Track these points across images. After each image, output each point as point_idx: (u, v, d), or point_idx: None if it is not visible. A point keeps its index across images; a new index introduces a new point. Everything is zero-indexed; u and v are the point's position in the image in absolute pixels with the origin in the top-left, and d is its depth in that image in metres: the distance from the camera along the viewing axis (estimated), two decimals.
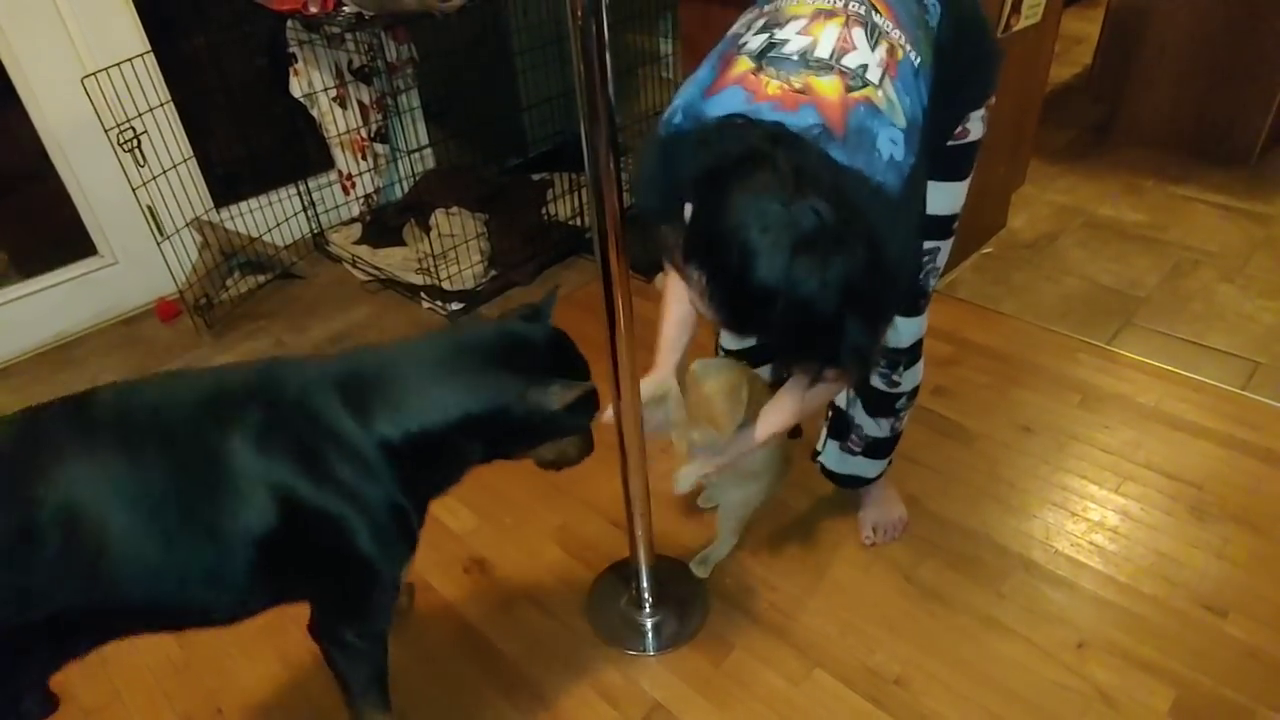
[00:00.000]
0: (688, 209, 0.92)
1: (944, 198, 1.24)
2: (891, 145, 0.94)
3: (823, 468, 1.62)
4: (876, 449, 1.53)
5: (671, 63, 2.85)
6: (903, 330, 1.35)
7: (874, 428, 1.49)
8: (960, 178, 1.26)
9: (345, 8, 2.18)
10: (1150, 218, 2.73)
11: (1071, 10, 4.37)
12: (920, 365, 1.43)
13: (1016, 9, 2.22)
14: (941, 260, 1.32)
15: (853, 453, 1.55)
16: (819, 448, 1.63)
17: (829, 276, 0.84)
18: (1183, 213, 2.74)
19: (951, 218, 1.28)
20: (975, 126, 1.22)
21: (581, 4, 0.90)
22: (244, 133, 2.73)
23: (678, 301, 1.25)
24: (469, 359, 1.04)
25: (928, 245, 1.28)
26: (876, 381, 1.42)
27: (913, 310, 1.34)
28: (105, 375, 2.28)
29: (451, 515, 1.73)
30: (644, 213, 1.06)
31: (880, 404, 1.45)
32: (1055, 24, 2.35)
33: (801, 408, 1.23)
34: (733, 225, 0.85)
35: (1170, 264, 2.47)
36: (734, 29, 1.09)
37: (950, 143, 1.22)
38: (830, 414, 1.58)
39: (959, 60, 1.10)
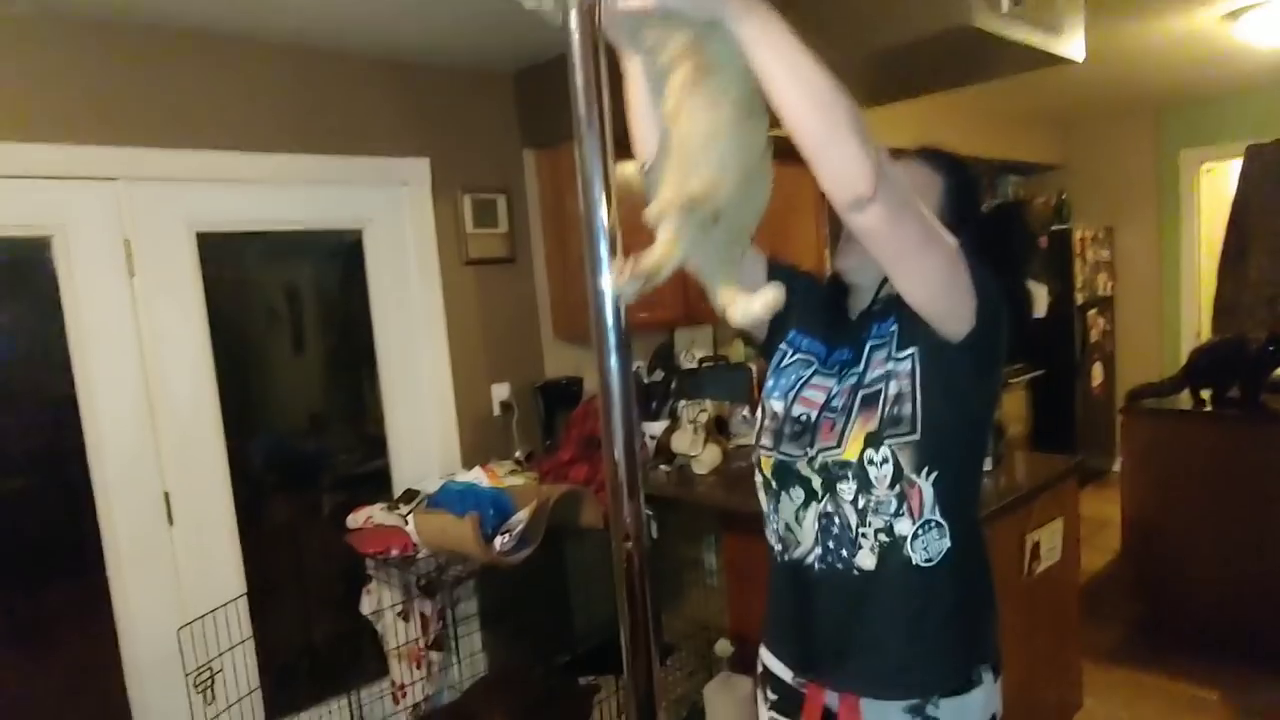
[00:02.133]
0: None
1: None
2: None
3: None
4: None
5: (715, 575, 3.03)
6: None
7: None
8: None
9: (421, 554, 2.44)
10: None
11: (1089, 490, 4.62)
12: None
13: (1035, 554, 2.40)
14: None
15: None
16: None
17: None
18: None
19: None
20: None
21: (629, 555, 0.97)
22: (311, 649, 2.89)
23: None
24: None
25: None
26: None
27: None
28: None
29: None
30: None
31: None
32: (1076, 559, 2.51)
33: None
34: None
35: None
36: None
37: None
38: None
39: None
